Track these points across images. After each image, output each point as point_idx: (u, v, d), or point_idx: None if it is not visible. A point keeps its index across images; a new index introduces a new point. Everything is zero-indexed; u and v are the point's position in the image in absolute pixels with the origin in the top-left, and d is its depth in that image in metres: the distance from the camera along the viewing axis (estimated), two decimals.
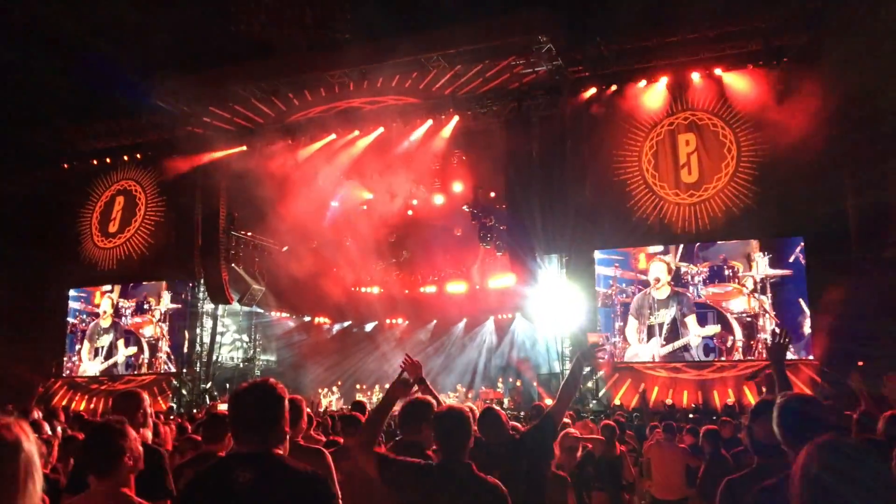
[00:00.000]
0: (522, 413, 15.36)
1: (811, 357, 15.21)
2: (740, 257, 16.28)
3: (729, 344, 15.98)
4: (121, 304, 22.02)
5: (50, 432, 5.84)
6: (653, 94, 17.46)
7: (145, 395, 4.10)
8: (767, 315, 15.78)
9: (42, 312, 22.24)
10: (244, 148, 20.58)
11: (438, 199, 22.42)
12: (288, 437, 2.72)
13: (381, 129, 19.98)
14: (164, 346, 21.20)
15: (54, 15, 18.10)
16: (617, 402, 16.68)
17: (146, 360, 21.26)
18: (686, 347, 16.39)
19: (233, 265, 21.32)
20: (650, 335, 16.76)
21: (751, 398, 14.65)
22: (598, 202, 17.52)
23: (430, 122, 19.48)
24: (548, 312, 18.63)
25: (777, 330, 15.19)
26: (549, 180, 17.70)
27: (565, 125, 17.76)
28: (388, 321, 27.04)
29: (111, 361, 21.68)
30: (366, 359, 25.51)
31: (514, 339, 24.51)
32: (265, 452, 2.53)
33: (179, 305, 21.45)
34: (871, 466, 1.78)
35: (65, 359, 22.28)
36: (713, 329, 16.14)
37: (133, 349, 21.53)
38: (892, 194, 14.45)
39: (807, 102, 15.39)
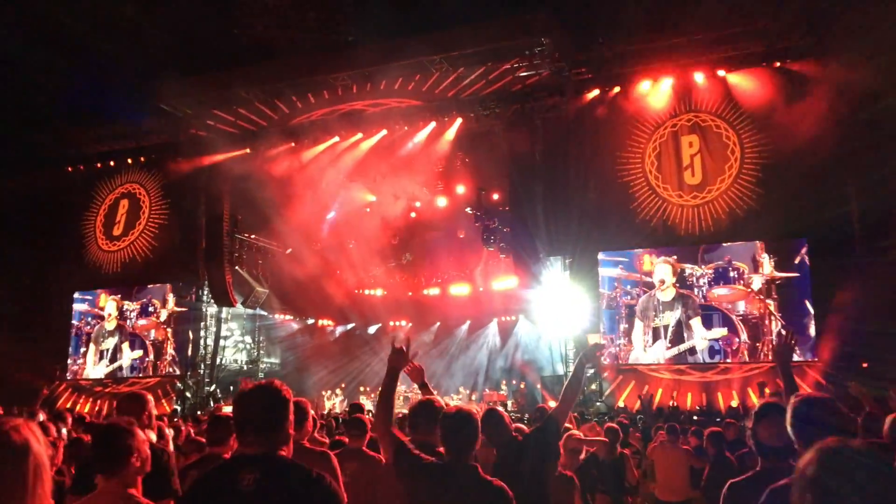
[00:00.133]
0: (526, 415, 15.35)
1: (815, 359, 15.16)
2: (746, 259, 16.23)
3: (735, 346, 15.93)
4: (126, 307, 22.06)
5: (56, 434, 5.85)
6: (656, 96, 17.44)
7: (150, 398, 4.12)
8: (773, 317, 15.74)
9: (46, 315, 22.31)
10: (247, 151, 20.60)
11: (441, 202, 22.42)
12: (293, 438, 2.72)
13: (384, 132, 19.99)
14: (170, 348, 21.22)
15: (57, 17, 18.16)
16: (621, 404, 16.66)
17: (151, 363, 21.29)
18: (692, 350, 16.34)
19: (236, 268, 21.35)
20: (655, 337, 16.72)
21: (755, 400, 14.61)
22: (602, 204, 17.49)
23: (433, 124, 19.48)
24: (551, 314, 18.61)
25: (783, 331, 15.16)
26: (552, 182, 17.69)
27: (568, 127, 17.75)
28: (391, 323, 27.04)
29: (116, 365, 21.71)
30: (369, 361, 25.50)
31: (517, 342, 24.48)
32: (270, 454, 2.53)
33: (184, 308, 21.47)
34: (873, 469, 1.77)
35: (69, 362, 22.31)
36: (719, 332, 16.07)
37: (139, 352, 21.55)
38: None
39: (811, 104, 15.38)
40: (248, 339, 24.00)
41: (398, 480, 3.37)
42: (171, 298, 21.59)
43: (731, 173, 16.54)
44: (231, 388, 20.78)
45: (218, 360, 21.81)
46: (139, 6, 17.71)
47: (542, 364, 21.99)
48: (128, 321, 21.92)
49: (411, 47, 16.79)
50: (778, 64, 16.27)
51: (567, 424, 8.37)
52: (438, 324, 26.15)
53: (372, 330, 27.25)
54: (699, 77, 17.06)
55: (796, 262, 15.72)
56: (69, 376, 22.13)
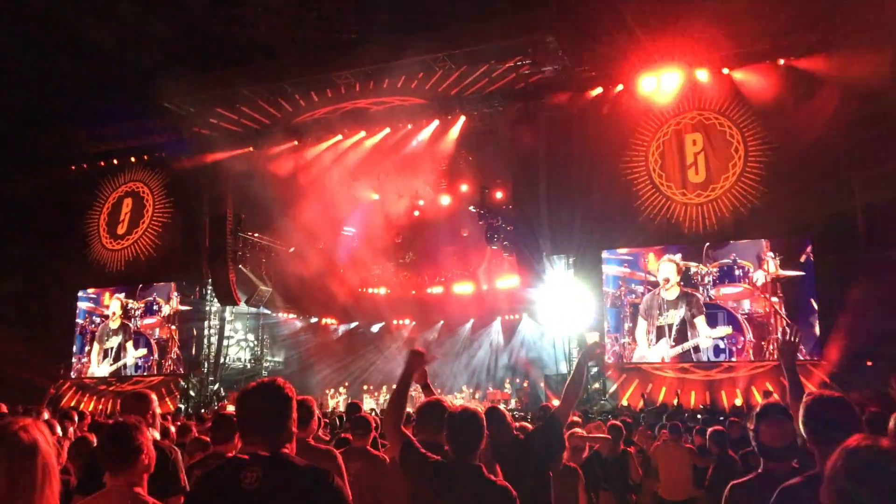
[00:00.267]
0: (530, 414, 15.35)
1: (820, 358, 15.11)
2: (751, 257, 16.17)
3: (740, 345, 15.89)
4: (130, 306, 22.10)
5: (61, 433, 5.87)
6: (659, 94, 17.40)
7: (154, 397, 4.13)
8: (779, 315, 15.69)
9: (50, 314, 22.35)
10: (251, 149, 20.62)
11: (445, 200, 22.43)
12: (296, 437, 2.73)
13: (387, 130, 20.00)
14: (174, 347, 21.26)
15: (59, 16, 18.18)
16: (624, 402, 16.65)
17: (156, 361, 21.33)
18: (696, 349, 16.31)
19: (240, 266, 21.38)
20: (659, 336, 16.68)
21: (759, 399, 14.58)
22: (605, 202, 17.45)
23: (436, 122, 19.48)
24: (555, 313, 18.60)
25: (787, 330, 15.14)
26: (555, 180, 17.67)
27: (572, 125, 17.71)
28: (394, 322, 27.07)
29: (120, 363, 21.75)
30: (373, 360, 25.55)
31: (521, 340, 24.49)
32: (273, 452, 2.53)
33: (189, 307, 21.51)
34: None
35: (74, 360, 22.37)
36: (724, 330, 16.03)
37: (143, 351, 21.59)
38: None
39: (815, 101, 15.34)
40: (251, 337, 24.04)
41: (404, 477, 3.38)
42: (175, 297, 21.62)
43: (735, 171, 16.50)
44: (235, 386, 20.82)
45: (222, 359, 21.85)
46: (142, 4, 17.72)
47: (545, 363, 21.99)
48: (132, 320, 21.96)
49: (414, 45, 16.78)
50: (782, 61, 16.21)
51: (575, 418, 8.41)
52: (442, 322, 26.18)
53: (375, 328, 27.30)
54: (703, 75, 17.02)
55: (802, 260, 15.66)
56: (73, 375, 22.19)
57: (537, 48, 16.77)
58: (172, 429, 7.10)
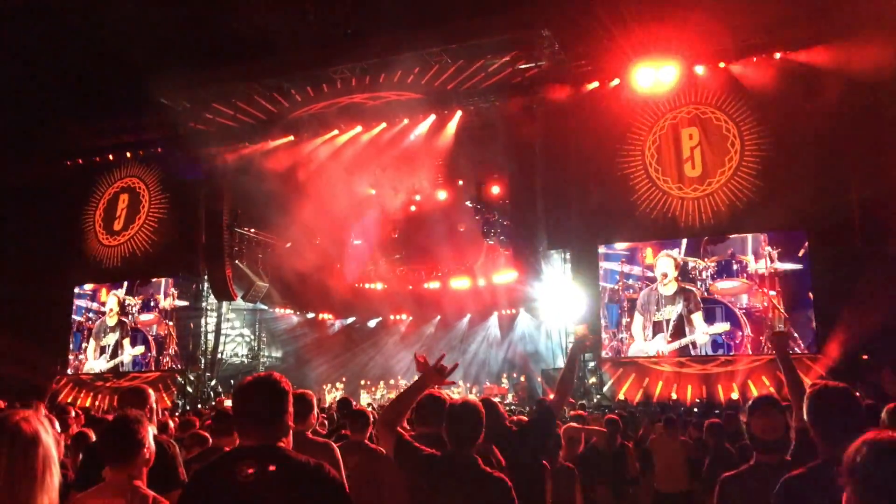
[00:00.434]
0: (527, 408, 15.39)
1: (817, 352, 15.15)
2: (749, 252, 16.19)
3: (738, 340, 15.90)
4: (127, 302, 22.06)
5: (59, 429, 5.87)
6: (655, 88, 17.38)
7: (151, 392, 4.13)
8: (777, 310, 15.71)
9: (46, 310, 22.27)
10: (247, 144, 20.59)
11: (441, 195, 22.42)
12: (294, 430, 2.73)
13: (383, 125, 19.97)
14: (172, 343, 21.25)
15: (55, 10, 18.11)
16: (621, 396, 16.68)
17: (154, 358, 21.31)
18: (693, 345, 16.32)
19: (236, 262, 21.37)
20: (656, 332, 16.68)
21: (755, 393, 14.63)
22: (602, 197, 17.46)
23: (432, 117, 19.45)
24: (552, 307, 18.62)
25: (781, 327, 15.20)
26: (552, 175, 17.67)
27: (568, 119, 17.71)
28: (391, 317, 27.09)
29: (117, 360, 21.72)
30: (370, 355, 25.59)
31: (518, 335, 24.53)
32: (269, 445, 2.54)
33: (187, 302, 21.50)
34: None
35: (70, 357, 22.34)
36: (721, 327, 16.02)
37: (140, 348, 21.56)
38: None
39: (811, 95, 15.36)
40: (248, 333, 24.04)
41: (400, 473, 3.40)
42: (173, 292, 21.60)
43: (732, 166, 16.51)
44: (232, 381, 20.82)
45: (219, 355, 21.85)
46: (139, 0, 17.67)
47: (542, 357, 22.04)
48: (129, 316, 21.93)
49: (411, 40, 16.77)
50: (779, 55, 16.22)
51: (580, 413, 8.45)
52: (439, 317, 26.21)
53: (372, 324, 27.32)
54: (699, 69, 17.02)
55: (800, 254, 15.67)
56: (70, 371, 22.17)
57: (533, 42, 16.78)
58: (172, 424, 7.11)
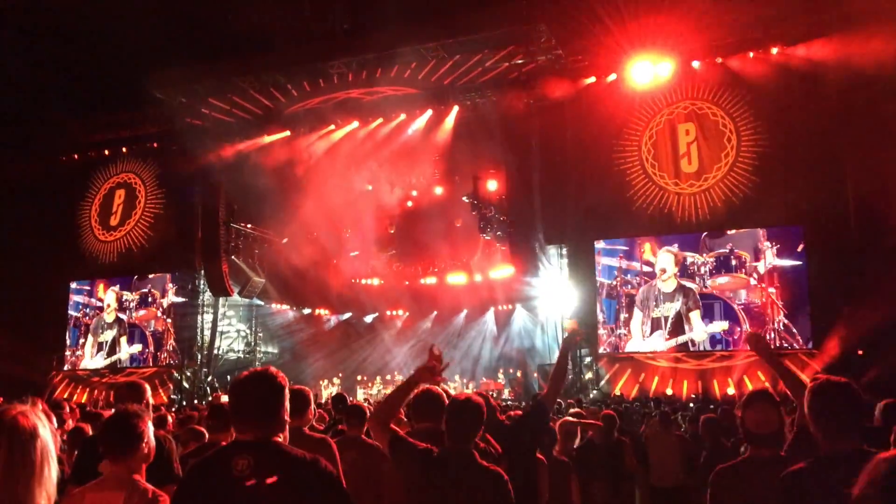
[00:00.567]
0: (523, 403, 15.41)
1: (812, 348, 15.19)
2: (748, 247, 16.17)
3: (736, 336, 15.92)
4: (125, 298, 22.03)
5: (56, 424, 5.86)
6: (652, 83, 17.39)
7: (147, 386, 4.14)
8: (776, 306, 15.73)
9: (42, 305, 22.24)
10: (243, 139, 20.54)
11: (438, 190, 22.40)
12: (291, 426, 2.74)
13: (380, 120, 19.94)
14: (170, 339, 21.22)
15: (52, 6, 18.04)
16: (617, 391, 16.72)
17: (151, 354, 21.29)
18: (691, 342, 16.34)
19: (233, 257, 21.34)
20: (654, 328, 16.69)
21: (750, 387, 14.65)
22: (598, 192, 17.47)
23: (429, 112, 19.44)
24: (548, 303, 18.63)
25: (783, 321, 15.24)
26: (548, 170, 17.67)
27: (565, 115, 17.71)
28: (388, 313, 27.07)
29: (114, 357, 21.69)
30: (367, 350, 25.58)
31: (514, 330, 24.54)
32: (265, 440, 2.54)
33: (184, 298, 21.47)
34: None
35: (67, 353, 22.31)
36: (719, 325, 16.03)
37: (138, 346, 21.53)
38: (892, 183, 14.42)
39: (807, 90, 15.40)
40: (245, 328, 24.02)
41: (397, 470, 3.41)
42: (170, 288, 21.57)
43: (728, 161, 16.52)
44: (228, 377, 20.81)
45: (215, 350, 21.83)
46: None
47: (539, 352, 22.06)
48: (127, 311, 21.90)
49: (407, 35, 16.72)
50: (775, 50, 16.24)
51: (578, 411, 8.47)
52: (436, 313, 26.19)
53: (369, 319, 27.30)
54: (696, 64, 17.02)
55: (798, 250, 15.68)
56: (67, 367, 22.14)
57: (530, 37, 16.75)
58: (170, 418, 7.10)
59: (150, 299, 21.72)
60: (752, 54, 16.51)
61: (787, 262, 15.77)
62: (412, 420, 4.14)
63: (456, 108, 19.17)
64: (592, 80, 17.75)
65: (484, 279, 24.70)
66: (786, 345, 15.53)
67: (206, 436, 5.17)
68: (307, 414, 4.53)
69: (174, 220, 21.64)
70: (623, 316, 17.19)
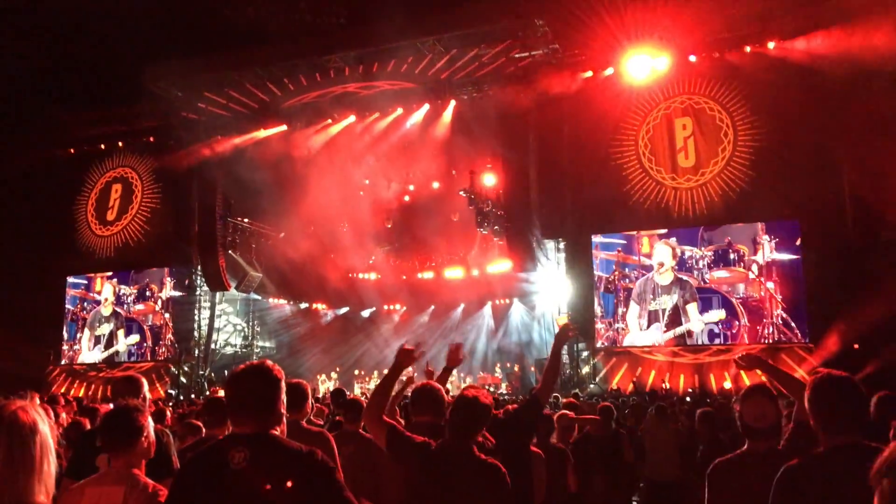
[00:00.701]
0: (520, 397, 15.43)
1: (809, 342, 15.22)
2: (746, 241, 16.19)
3: (734, 329, 15.94)
4: (122, 292, 22.00)
5: (53, 419, 5.86)
6: (649, 78, 17.37)
7: (144, 381, 4.14)
8: (774, 299, 15.75)
9: (38, 300, 22.17)
10: (240, 133, 20.49)
11: (435, 185, 22.38)
12: (289, 419, 2.73)
13: (376, 114, 19.90)
14: (168, 333, 21.21)
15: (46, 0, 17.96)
16: (614, 386, 16.75)
17: (149, 348, 21.27)
18: (688, 334, 16.36)
19: (230, 252, 21.32)
20: (651, 321, 16.71)
21: (747, 381, 14.66)
22: (595, 186, 17.47)
23: (426, 106, 19.40)
24: (545, 297, 18.64)
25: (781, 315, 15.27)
26: (546, 165, 17.66)
27: (562, 109, 17.68)
28: (385, 307, 27.09)
29: (111, 351, 21.68)
30: (364, 344, 25.59)
31: (511, 325, 24.58)
32: (261, 433, 2.53)
33: (182, 292, 21.46)
34: None
35: (65, 347, 22.29)
36: (717, 315, 16.06)
37: (136, 338, 21.53)
38: (888, 177, 14.43)
39: (803, 84, 15.37)
40: (242, 323, 24.02)
41: (395, 464, 3.41)
42: (168, 282, 21.54)
43: (725, 156, 16.53)
44: (226, 372, 20.80)
45: (212, 345, 21.83)
46: None
47: (536, 346, 22.10)
48: (124, 306, 21.87)
49: (404, 29, 16.67)
50: (772, 44, 16.22)
51: (572, 401, 8.46)
52: (433, 307, 26.22)
53: (366, 314, 27.31)
54: (693, 59, 17.00)
55: (797, 244, 15.71)
56: (64, 361, 22.12)
57: (527, 32, 16.73)
58: (168, 413, 7.11)
59: (147, 293, 21.69)
60: (748, 48, 16.50)
61: (786, 256, 15.78)
62: (411, 414, 4.15)
63: (453, 103, 19.14)
64: (589, 74, 17.72)
65: (481, 274, 24.71)
66: (784, 339, 15.57)
67: (204, 430, 5.17)
68: (305, 408, 4.54)
69: (171, 215, 21.60)
70: (621, 310, 17.20)
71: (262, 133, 20.45)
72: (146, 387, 4.09)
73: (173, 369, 20.82)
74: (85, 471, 3.27)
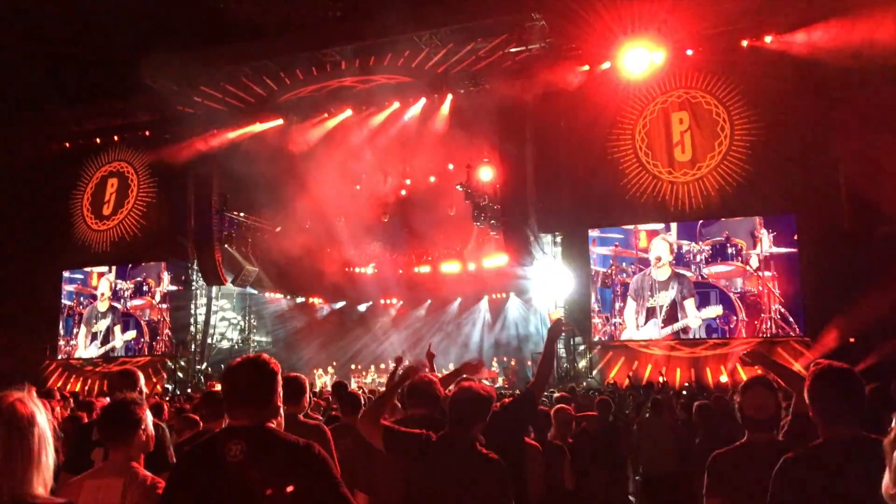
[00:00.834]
0: (517, 391, 15.44)
1: (806, 336, 15.24)
2: (744, 235, 16.17)
3: (732, 324, 15.95)
4: (119, 286, 21.95)
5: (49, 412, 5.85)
6: (646, 72, 17.34)
7: (140, 374, 4.13)
8: (773, 294, 15.76)
9: (34, 295, 22.12)
10: (236, 127, 20.43)
11: (432, 179, 22.35)
12: (286, 412, 2.73)
13: (373, 108, 19.86)
14: (166, 328, 21.18)
15: None
16: (610, 379, 16.77)
17: (147, 343, 21.24)
18: (685, 330, 16.37)
19: (226, 246, 21.29)
20: (648, 317, 16.70)
21: (743, 375, 14.70)
22: (592, 181, 17.46)
23: (423, 100, 19.36)
24: (542, 291, 18.64)
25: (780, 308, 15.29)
26: (542, 159, 17.65)
27: (559, 103, 17.65)
28: (382, 301, 27.09)
29: (108, 346, 21.63)
30: (361, 339, 25.60)
31: (508, 319, 24.61)
32: (258, 426, 2.54)
33: (179, 287, 21.42)
34: None
35: (61, 342, 22.25)
36: (715, 311, 16.06)
37: (132, 333, 21.48)
38: (884, 170, 14.44)
39: (800, 78, 15.37)
40: (238, 317, 24.00)
41: (394, 461, 3.40)
42: (165, 277, 21.50)
43: (722, 150, 16.53)
44: (222, 366, 20.77)
45: (209, 339, 21.81)
46: None
47: (532, 340, 22.12)
48: (121, 300, 21.83)
49: (400, 23, 16.62)
50: (768, 38, 16.20)
51: (564, 395, 8.47)
52: (430, 301, 26.22)
53: (363, 308, 27.30)
54: (690, 52, 16.98)
55: (794, 238, 15.71)
56: (60, 356, 22.08)
57: (523, 25, 16.69)
58: (165, 407, 7.11)
59: (144, 288, 21.65)
60: (745, 42, 16.47)
61: (784, 251, 15.78)
62: (406, 406, 4.15)
63: (450, 97, 19.10)
64: (586, 68, 17.68)
65: (478, 268, 24.71)
66: (781, 333, 15.60)
67: (201, 424, 5.17)
68: (302, 401, 4.54)
69: (167, 210, 21.54)
70: (618, 305, 17.19)
71: (259, 127, 20.39)
72: (142, 380, 4.09)
73: (170, 364, 20.80)
74: (82, 465, 3.27)
